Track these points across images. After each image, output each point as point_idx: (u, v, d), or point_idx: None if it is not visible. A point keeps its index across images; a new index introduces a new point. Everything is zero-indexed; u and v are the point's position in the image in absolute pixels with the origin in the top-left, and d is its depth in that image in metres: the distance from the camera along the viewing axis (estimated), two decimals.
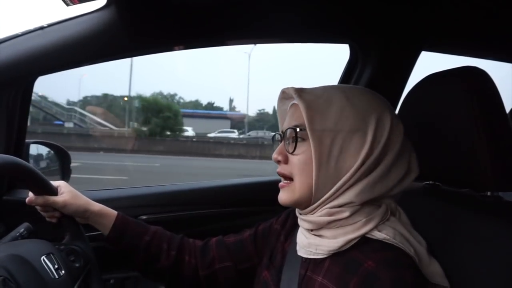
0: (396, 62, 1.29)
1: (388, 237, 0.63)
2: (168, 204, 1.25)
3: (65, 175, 1.25)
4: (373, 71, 1.28)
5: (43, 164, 1.27)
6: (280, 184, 0.72)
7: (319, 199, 0.67)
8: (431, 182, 0.89)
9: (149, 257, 0.89)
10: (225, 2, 1.07)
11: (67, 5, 0.91)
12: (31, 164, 0.89)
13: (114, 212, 0.91)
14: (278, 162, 0.72)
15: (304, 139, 0.68)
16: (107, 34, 1.00)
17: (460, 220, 0.73)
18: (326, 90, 0.71)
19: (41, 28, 0.99)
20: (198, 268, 0.90)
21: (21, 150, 1.11)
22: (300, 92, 0.69)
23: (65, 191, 0.87)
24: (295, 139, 0.68)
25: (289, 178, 0.70)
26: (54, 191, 0.87)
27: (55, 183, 0.89)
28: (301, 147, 0.68)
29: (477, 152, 0.70)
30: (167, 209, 1.24)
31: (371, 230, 0.65)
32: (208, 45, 1.23)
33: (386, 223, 0.66)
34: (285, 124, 0.73)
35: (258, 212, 1.31)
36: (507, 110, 0.76)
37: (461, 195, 0.83)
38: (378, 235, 0.64)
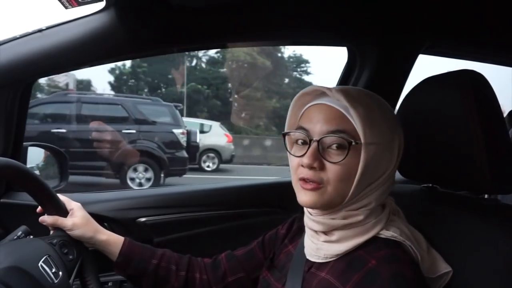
0: (394, 65, 1.29)
1: (395, 234, 0.66)
2: (167, 206, 1.25)
3: (63, 177, 1.24)
4: (371, 74, 1.28)
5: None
6: (306, 186, 0.67)
7: (345, 204, 0.68)
8: (429, 184, 0.90)
9: (159, 280, 0.89)
10: (223, 4, 1.07)
11: (66, 7, 0.92)
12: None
13: (121, 239, 0.91)
14: (311, 168, 0.66)
15: (350, 149, 0.64)
16: (106, 36, 1.00)
17: (458, 223, 0.73)
18: (361, 96, 0.68)
19: (40, 30, 0.99)
20: (211, 284, 0.91)
21: (19, 153, 1.11)
22: (347, 96, 0.65)
23: (78, 215, 0.87)
24: (347, 150, 0.64)
25: (318, 183, 0.66)
26: (55, 200, 0.87)
27: (69, 205, 0.89)
28: (347, 157, 0.65)
29: (474, 155, 0.70)
30: (166, 211, 1.24)
31: (379, 231, 0.67)
32: (206, 47, 1.23)
33: (391, 222, 0.69)
34: (315, 127, 0.67)
35: (258, 214, 1.31)
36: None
37: (458, 198, 0.84)
38: (386, 233, 0.67)
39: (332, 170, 0.65)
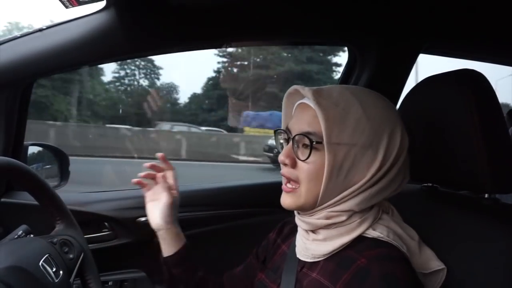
0: (395, 65, 1.29)
1: (382, 235, 0.66)
2: None
3: (63, 177, 1.25)
4: (372, 73, 1.28)
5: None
6: (285, 188, 0.71)
7: (322, 205, 0.68)
8: (429, 184, 0.90)
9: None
10: (224, 4, 1.07)
11: (66, 7, 0.91)
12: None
13: (184, 240, 0.92)
14: (285, 165, 0.70)
15: (317, 149, 0.66)
16: (107, 36, 1.00)
17: (458, 222, 0.73)
18: (342, 95, 0.67)
19: (40, 30, 0.99)
20: None
21: (20, 152, 1.11)
22: (318, 97, 0.66)
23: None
24: (310, 148, 0.66)
25: (294, 182, 0.69)
26: (56, 199, 0.87)
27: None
28: (313, 156, 0.66)
29: (475, 154, 0.70)
30: None
31: (365, 230, 0.67)
32: (207, 47, 1.23)
33: (380, 221, 0.69)
34: (294, 125, 0.70)
35: (257, 213, 1.32)
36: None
37: (458, 197, 0.84)
38: (372, 233, 0.66)
39: (302, 168, 0.68)
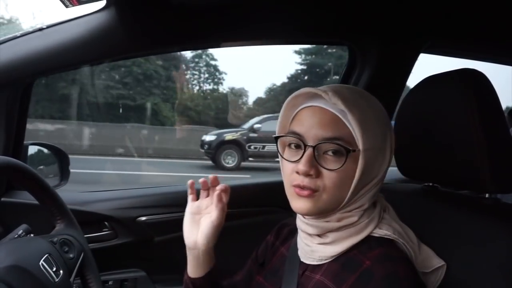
0: (395, 64, 1.29)
1: (389, 233, 0.66)
2: (167, 205, 1.25)
3: (63, 176, 1.25)
4: (372, 73, 1.28)
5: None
6: (301, 192, 0.65)
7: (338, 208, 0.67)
8: (429, 183, 0.90)
9: None
10: (224, 3, 1.07)
11: (66, 6, 0.91)
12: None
13: (214, 259, 0.81)
14: (308, 175, 0.64)
15: (346, 155, 0.63)
16: (107, 35, 1.00)
17: (458, 222, 0.73)
18: (354, 97, 0.65)
19: (40, 29, 0.99)
20: None
21: (20, 151, 1.11)
22: (345, 101, 0.62)
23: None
24: (345, 157, 0.62)
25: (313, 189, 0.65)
26: (56, 198, 0.86)
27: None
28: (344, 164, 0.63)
29: (475, 154, 0.70)
30: (166, 210, 1.24)
31: (373, 230, 0.67)
32: (207, 46, 1.23)
33: (383, 221, 0.69)
34: (308, 130, 0.65)
35: (258, 213, 1.32)
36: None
37: (459, 197, 0.84)
38: (379, 232, 0.67)
39: (328, 177, 0.63)
